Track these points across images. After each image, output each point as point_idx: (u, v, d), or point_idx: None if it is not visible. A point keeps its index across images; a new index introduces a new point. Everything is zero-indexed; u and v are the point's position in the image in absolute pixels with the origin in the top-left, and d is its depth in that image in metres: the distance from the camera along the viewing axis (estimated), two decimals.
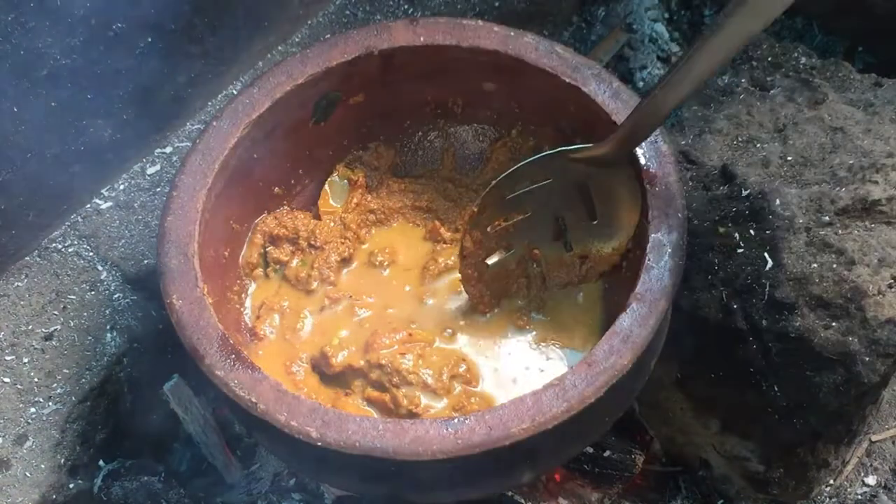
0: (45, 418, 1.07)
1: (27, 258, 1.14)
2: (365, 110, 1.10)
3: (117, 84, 1.08)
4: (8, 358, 1.09)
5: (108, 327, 1.13)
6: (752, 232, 1.06)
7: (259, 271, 1.08)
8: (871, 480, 1.25)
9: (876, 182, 1.05)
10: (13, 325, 1.11)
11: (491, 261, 1.02)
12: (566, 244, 1.03)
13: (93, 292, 1.14)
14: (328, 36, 1.10)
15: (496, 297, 1.05)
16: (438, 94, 1.11)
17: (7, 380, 1.08)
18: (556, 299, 1.05)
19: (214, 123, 0.98)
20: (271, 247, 1.08)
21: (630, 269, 1.00)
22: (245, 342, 1.03)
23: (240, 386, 0.84)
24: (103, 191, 1.19)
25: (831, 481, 1.23)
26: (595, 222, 1.00)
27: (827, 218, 1.04)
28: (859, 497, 1.24)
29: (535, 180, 0.98)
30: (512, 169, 0.98)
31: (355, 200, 1.12)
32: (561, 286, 1.05)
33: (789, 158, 1.11)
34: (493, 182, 0.99)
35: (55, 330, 1.11)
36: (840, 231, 1.04)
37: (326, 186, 1.13)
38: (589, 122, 1.00)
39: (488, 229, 1.00)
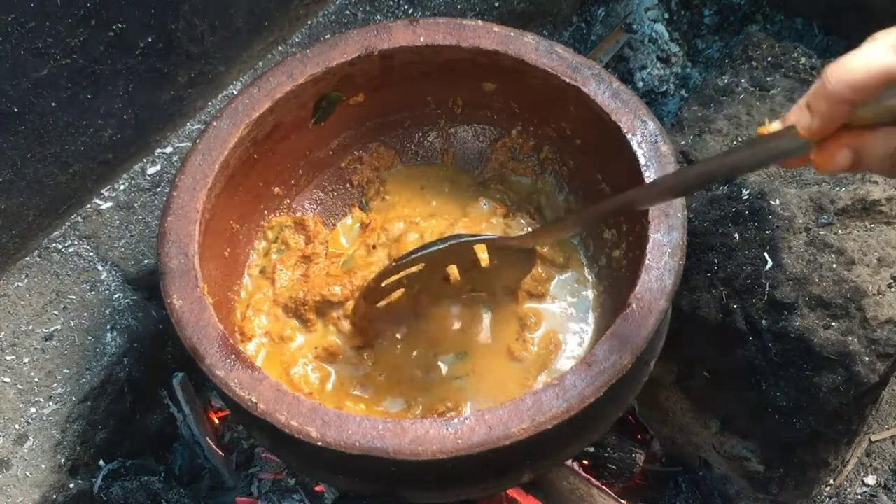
0: (45, 418, 1.07)
1: (27, 258, 1.14)
2: (365, 110, 1.10)
3: (117, 84, 1.08)
4: (8, 358, 1.09)
5: (108, 327, 1.12)
6: (752, 232, 1.06)
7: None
8: (870, 480, 1.26)
9: (876, 182, 1.05)
10: (13, 325, 1.11)
11: (382, 304, 1.04)
12: (454, 281, 1.05)
13: (93, 292, 1.14)
14: (328, 36, 1.10)
15: (379, 333, 1.06)
16: (438, 94, 1.11)
17: (7, 380, 1.08)
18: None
19: (214, 123, 0.98)
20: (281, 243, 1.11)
21: (630, 268, 1.00)
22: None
23: (240, 386, 0.84)
24: (103, 191, 1.19)
25: (831, 481, 1.23)
26: (485, 267, 1.01)
27: (827, 218, 1.04)
28: (859, 497, 1.24)
29: (434, 246, 1.00)
30: (415, 252, 0.99)
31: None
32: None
33: None
34: (393, 262, 1.00)
35: (55, 330, 1.11)
36: (840, 231, 1.04)
37: (339, 227, 1.14)
38: (589, 122, 1.00)
39: (382, 284, 1.01)
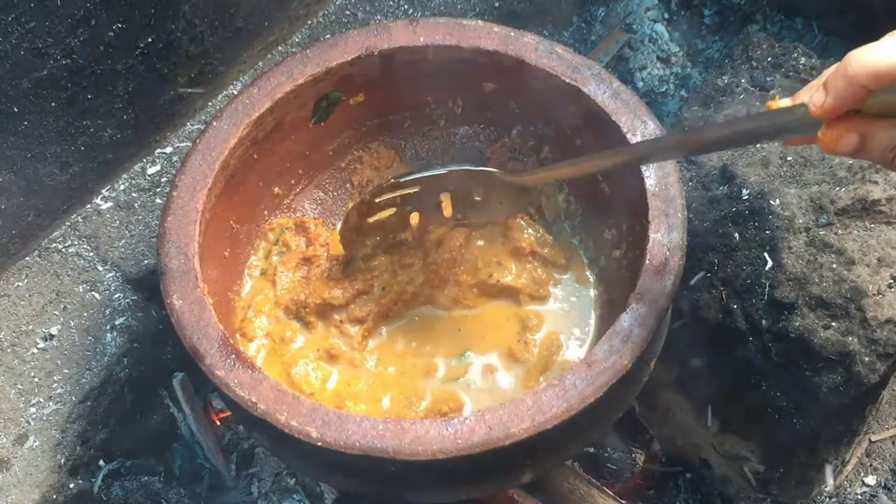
0: (45, 418, 1.07)
1: (27, 258, 1.14)
2: (365, 110, 1.10)
3: (117, 84, 1.08)
4: (8, 358, 1.09)
5: (108, 327, 1.12)
6: (752, 232, 1.06)
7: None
8: (870, 480, 1.25)
9: (876, 182, 1.05)
10: (13, 325, 1.11)
11: (372, 219, 1.07)
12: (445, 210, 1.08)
13: (93, 292, 1.14)
14: (328, 36, 1.10)
15: (374, 250, 1.08)
16: (438, 94, 1.11)
17: (7, 380, 1.08)
18: None
19: (214, 123, 0.98)
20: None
21: (630, 269, 1.00)
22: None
23: (240, 386, 0.84)
24: (103, 191, 1.19)
25: (831, 481, 1.23)
26: (478, 199, 1.05)
27: (827, 218, 1.04)
28: (859, 497, 1.24)
29: (434, 170, 1.06)
30: (415, 173, 1.04)
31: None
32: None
33: (789, 158, 1.11)
34: (392, 178, 1.05)
35: (55, 330, 1.11)
36: (840, 231, 1.04)
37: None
38: (589, 121, 1.00)
39: (376, 200, 1.05)
